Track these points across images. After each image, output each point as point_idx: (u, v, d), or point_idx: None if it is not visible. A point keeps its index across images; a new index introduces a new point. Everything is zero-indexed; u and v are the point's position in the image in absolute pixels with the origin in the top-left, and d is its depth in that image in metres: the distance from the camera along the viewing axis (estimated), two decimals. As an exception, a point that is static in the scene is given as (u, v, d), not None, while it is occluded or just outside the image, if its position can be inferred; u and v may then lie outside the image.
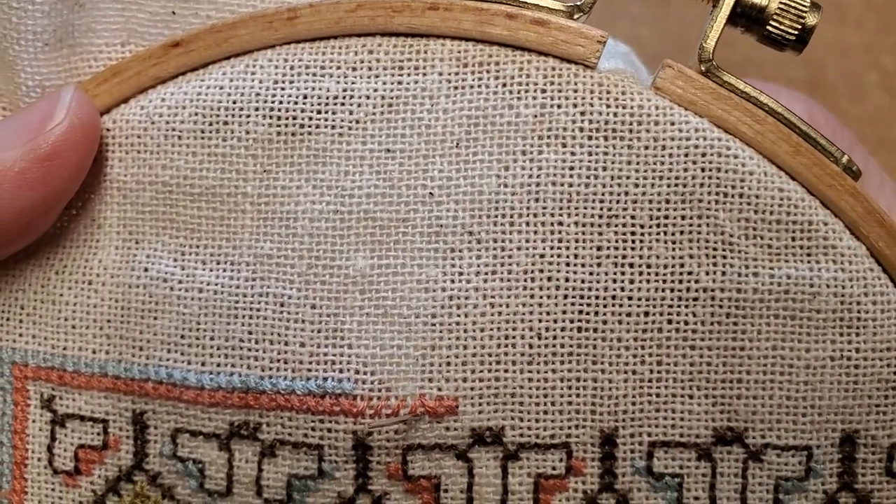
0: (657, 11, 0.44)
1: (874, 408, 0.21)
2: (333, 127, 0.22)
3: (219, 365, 0.22)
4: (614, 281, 0.21)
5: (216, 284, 0.22)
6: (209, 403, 0.22)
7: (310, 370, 0.21)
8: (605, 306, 0.21)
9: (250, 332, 0.21)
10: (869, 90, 0.43)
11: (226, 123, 0.22)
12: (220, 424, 0.22)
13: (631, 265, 0.21)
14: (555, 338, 0.21)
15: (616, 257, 0.21)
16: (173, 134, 0.22)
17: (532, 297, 0.21)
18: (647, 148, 0.21)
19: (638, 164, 0.21)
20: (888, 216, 0.22)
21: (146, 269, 0.22)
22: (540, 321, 0.21)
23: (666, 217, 0.21)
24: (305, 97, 0.22)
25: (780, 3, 0.22)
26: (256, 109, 0.22)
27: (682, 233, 0.21)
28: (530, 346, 0.21)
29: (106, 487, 0.23)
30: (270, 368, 0.21)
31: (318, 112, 0.22)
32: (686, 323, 0.21)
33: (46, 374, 0.23)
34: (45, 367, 0.23)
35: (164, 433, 0.22)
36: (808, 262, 0.21)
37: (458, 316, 0.21)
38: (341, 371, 0.21)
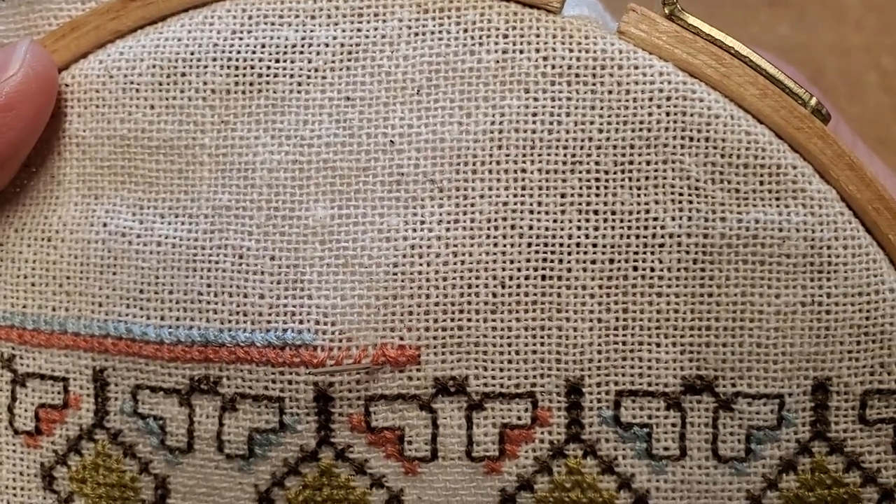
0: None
1: (846, 354, 0.21)
2: (292, 76, 0.21)
3: (178, 319, 0.21)
4: (579, 228, 0.21)
5: (174, 238, 0.21)
6: (169, 358, 0.21)
7: (269, 322, 0.21)
8: (569, 254, 0.21)
9: (209, 285, 0.21)
10: (868, 90, 0.44)
11: (183, 75, 0.22)
12: (180, 380, 0.21)
13: (595, 212, 0.21)
14: (519, 286, 0.21)
15: (580, 204, 0.21)
16: (131, 87, 0.22)
17: (495, 245, 0.21)
18: (610, 93, 0.21)
19: (601, 109, 0.21)
20: (858, 159, 0.21)
21: (105, 224, 0.22)
22: (504, 270, 0.21)
23: (630, 162, 0.21)
24: (263, 46, 0.21)
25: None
26: (214, 60, 0.22)
27: (647, 178, 0.21)
28: (494, 295, 0.21)
29: (67, 447, 0.22)
30: (230, 321, 0.21)
31: (277, 61, 0.21)
32: (652, 270, 0.21)
33: (6, 334, 0.22)
34: (5, 326, 0.22)
35: (125, 390, 0.22)
36: (777, 206, 0.21)
37: (421, 265, 0.21)
38: (301, 322, 0.21)
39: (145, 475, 0.22)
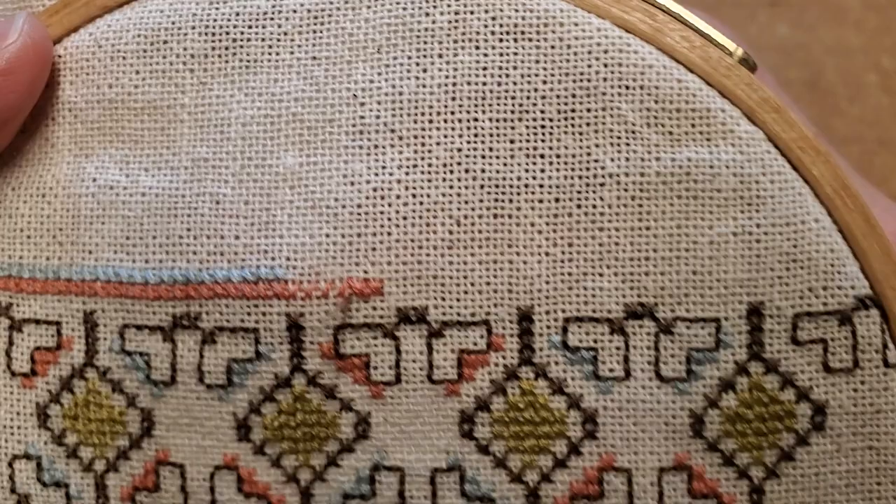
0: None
1: (777, 280, 0.23)
2: (263, 39, 0.24)
3: (161, 261, 0.23)
4: (527, 171, 0.23)
5: (157, 188, 0.24)
6: (153, 298, 0.23)
7: (244, 260, 0.23)
8: (518, 194, 0.23)
9: (189, 229, 0.23)
10: (868, 91, 0.45)
11: (165, 42, 0.24)
12: (163, 317, 0.23)
13: (542, 156, 0.23)
14: (473, 224, 0.23)
15: (528, 149, 0.23)
16: (118, 55, 0.24)
17: (451, 187, 0.23)
18: (553, 48, 0.23)
19: (546, 62, 0.23)
20: (783, 104, 0.23)
21: (94, 179, 0.24)
22: (459, 209, 0.23)
23: (573, 110, 0.23)
24: (238, 14, 0.24)
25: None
26: (193, 28, 0.24)
27: (588, 124, 0.23)
28: (450, 233, 0.23)
29: (60, 386, 0.24)
30: (208, 261, 0.23)
31: (250, 27, 0.24)
32: (594, 207, 0.23)
33: (4, 283, 0.24)
34: (3, 277, 0.24)
35: (113, 330, 0.24)
36: (708, 145, 0.23)
37: (382, 206, 0.23)
38: (273, 259, 0.23)
39: (132, 409, 0.24)
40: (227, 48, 0.24)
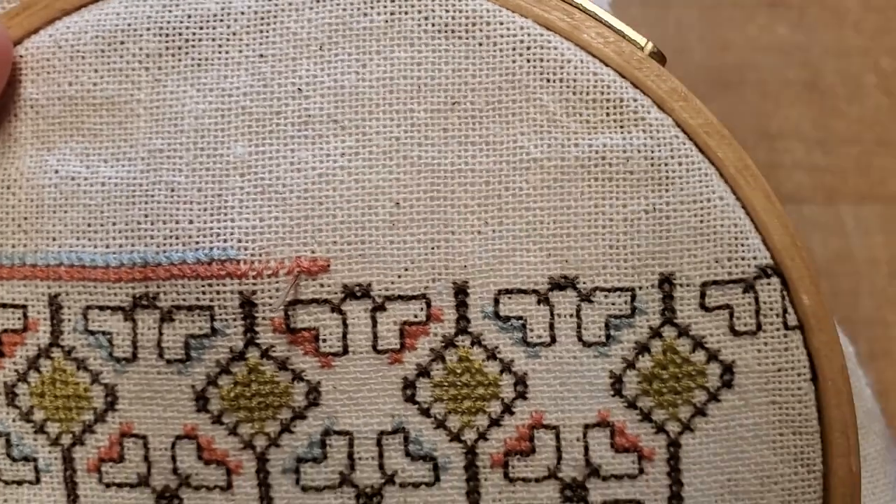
0: (655, 13, 0.47)
1: (686, 252, 0.25)
2: (213, 39, 0.26)
3: (120, 245, 0.25)
4: (459, 157, 0.25)
5: (116, 178, 0.25)
6: (114, 280, 0.25)
7: (198, 243, 0.25)
8: (452, 178, 0.25)
9: (146, 215, 0.25)
10: (867, 92, 0.46)
11: (122, 43, 0.26)
12: (124, 298, 0.25)
13: (472, 143, 0.25)
14: (411, 206, 0.25)
15: (460, 137, 0.25)
16: (77, 55, 0.26)
17: (390, 173, 0.25)
18: (481, 45, 0.25)
19: (474, 58, 0.25)
20: (691, 94, 0.26)
21: (56, 171, 0.26)
22: (398, 193, 0.25)
23: (499, 101, 0.25)
24: (189, 16, 0.26)
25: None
26: (148, 29, 0.26)
27: (513, 114, 0.25)
28: (391, 214, 0.25)
29: (27, 366, 0.26)
30: (164, 244, 0.25)
31: (201, 28, 0.26)
32: (520, 189, 0.25)
33: (-29, 271, 0.26)
34: (-30, 265, 0.26)
35: (77, 311, 0.25)
36: (621, 132, 0.25)
37: (327, 190, 0.25)
38: (226, 241, 0.25)
39: (96, 385, 0.26)
40: (179, 48, 0.26)
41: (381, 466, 0.25)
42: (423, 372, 0.25)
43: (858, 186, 0.46)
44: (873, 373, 0.44)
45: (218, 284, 0.25)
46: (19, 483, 0.26)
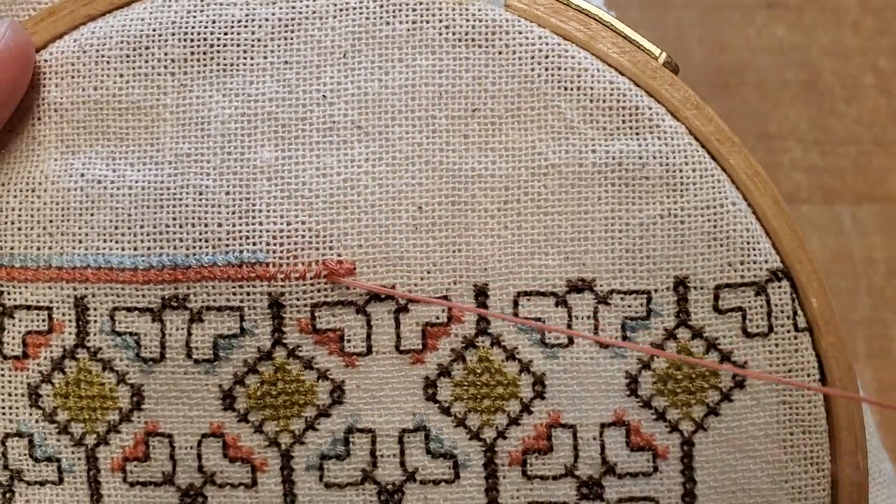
0: (654, 14, 0.51)
1: (700, 256, 0.29)
2: (239, 45, 0.29)
3: (149, 248, 0.29)
4: (479, 162, 0.29)
5: (143, 182, 0.29)
6: (142, 282, 0.29)
7: (228, 245, 0.29)
8: (473, 183, 0.29)
9: (174, 219, 0.29)
10: (866, 92, 0.50)
11: (147, 48, 0.29)
12: (152, 299, 0.29)
13: (492, 149, 0.29)
14: (433, 210, 0.29)
15: (480, 143, 0.29)
16: (103, 60, 0.30)
17: (413, 178, 0.29)
18: (500, 53, 0.29)
19: (494, 66, 0.29)
20: (702, 102, 0.30)
21: (82, 175, 0.29)
22: (421, 197, 0.29)
23: (518, 108, 0.29)
24: (214, 22, 0.29)
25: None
26: (173, 35, 0.29)
27: (532, 121, 0.29)
28: (413, 218, 0.29)
29: (52, 367, 0.29)
30: (194, 247, 0.29)
31: (226, 34, 0.29)
32: (539, 194, 0.29)
33: (-4, 273, 0.30)
34: (-5, 266, 0.30)
35: (103, 313, 0.29)
36: (637, 139, 0.29)
37: (352, 195, 0.29)
38: (254, 244, 0.29)
39: (122, 385, 0.29)
40: (205, 53, 0.29)
41: (402, 464, 0.29)
42: (444, 372, 0.29)
43: (856, 186, 0.50)
44: (871, 372, 0.48)
45: (248, 286, 0.28)
46: (42, 484, 0.29)
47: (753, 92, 0.51)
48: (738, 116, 0.50)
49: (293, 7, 0.29)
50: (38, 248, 0.29)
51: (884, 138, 0.50)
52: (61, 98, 0.30)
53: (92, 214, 0.29)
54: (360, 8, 0.29)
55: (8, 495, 0.29)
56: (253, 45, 0.29)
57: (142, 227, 0.29)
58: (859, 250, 0.49)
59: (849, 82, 0.50)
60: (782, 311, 0.29)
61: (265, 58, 0.29)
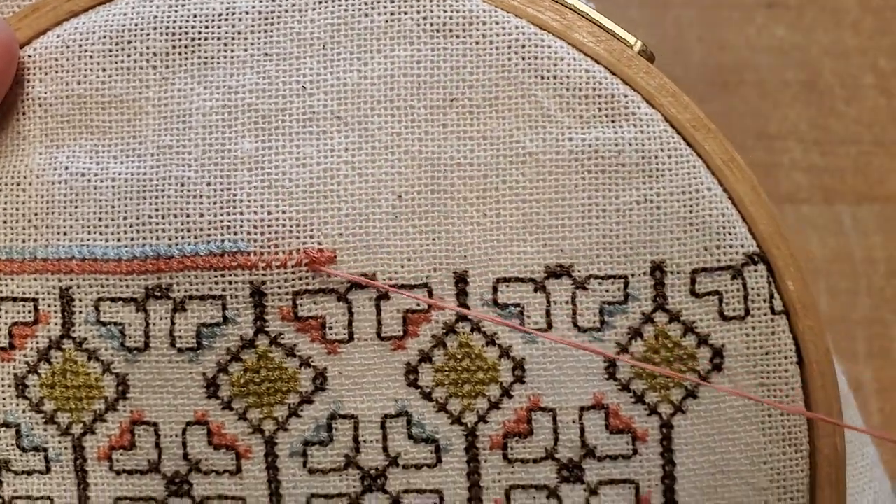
0: (654, 13, 0.51)
1: (676, 241, 0.30)
2: (219, 38, 0.30)
3: (132, 239, 0.29)
4: (458, 151, 0.30)
5: (126, 174, 0.30)
6: (126, 272, 0.29)
7: (209, 235, 0.29)
8: (452, 172, 0.30)
9: (157, 209, 0.29)
10: (866, 92, 0.50)
11: (129, 42, 0.30)
12: (136, 289, 0.29)
13: (471, 138, 0.30)
14: (413, 199, 0.30)
15: (458, 132, 0.30)
16: (85, 54, 0.30)
17: (392, 167, 0.30)
18: (478, 43, 0.30)
19: (471, 56, 0.30)
20: (678, 89, 0.31)
21: (66, 168, 0.30)
22: (400, 186, 0.30)
23: (496, 97, 0.30)
24: (195, 16, 0.30)
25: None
26: (155, 29, 0.30)
27: (509, 109, 0.30)
28: (393, 207, 0.30)
29: (38, 357, 0.30)
30: (176, 237, 0.29)
31: (206, 27, 0.30)
32: (517, 181, 0.30)
33: (-18, 266, 0.30)
34: (-19, 260, 0.30)
35: (88, 303, 0.30)
36: (613, 126, 0.30)
37: (332, 185, 0.29)
38: (236, 233, 0.29)
39: (107, 375, 0.30)
40: (186, 46, 0.30)
41: (385, 449, 0.30)
42: (425, 357, 0.30)
43: (856, 186, 0.50)
44: (871, 372, 0.49)
45: (230, 275, 0.29)
46: (29, 473, 0.30)
47: (753, 91, 0.51)
48: (738, 116, 0.50)
49: (273, 0, 0.30)
50: (24, 241, 0.30)
51: (884, 138, 0.50)
52: (45, 93, 0.30)
53: (76, 207, 0.30)
54: (340, 0, 0.30)
55: None
56: (233, 38, 0.30)
57: (125, 218, 0.29)
58: (859, 250, 0.50)
59: (849, 82, 0.50)
60: (759, 295, 0.30)
61: (245, 50, 0.30)
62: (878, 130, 0.50)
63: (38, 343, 0.30)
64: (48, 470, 0.30)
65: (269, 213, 0.29)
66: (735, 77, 0.51)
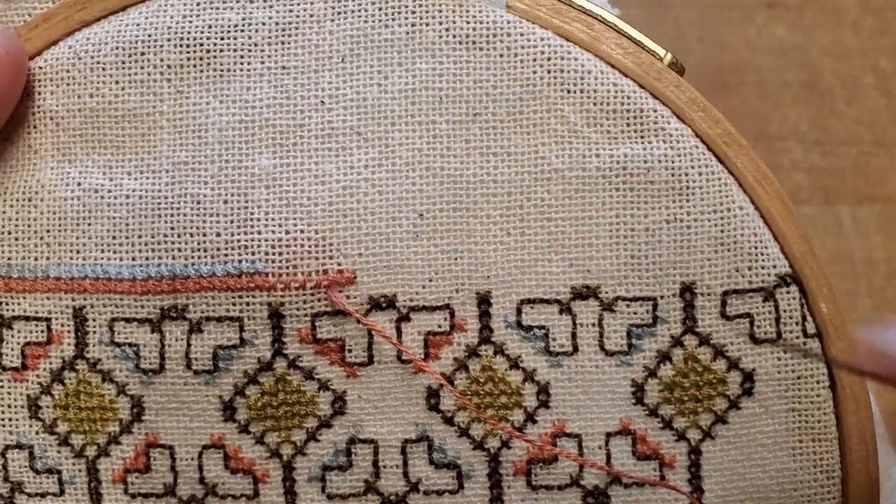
0: (654, 14, 0.51)
1: (706, 261, 0.29)
2: (235, 50, 0.29)
3: (147, 258, 0.29)
4: (481, 168, 0.29)
5: (141, 191, 0.29)
6: (141, 292, 0.29)
7: (226, 255, 0.29)
8: (474, 189, 0.29)
9: (172, 228, 0.29)
10: (866, 93, 0.50)
11: (143, 54, 0.30)
12: (151, 310, 0.29)
13: (494, 154, 0.29)
14: (434, 217, 0.29)
15: (482, 148, 0.29)
16: (98, 66, 0.30)
17: (413, 184, 0.29)
18: (502, 56, 0.29)
19: (495, 69, 0.29)
20: (709, 103, 0.30)
21: (79, 184, 0.29)
22: (422, 204, 0.29)
23: (520, 112, 0.29)
24: (210, 27, 0.29)
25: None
26: (169, 40, 0.30)
27: (534, 124, 0.29)
28: (414, 225, 0.29)
29: (51, 378, 0.30)
30: (192, 256, 0.29)
31: (222, 39, 0.29)
32: (542, 199, 0.29)
33: (-7, 283, 0.30)
34: (-8, 277, 0.30)
35: (102, 323, 0.29)
36: (642, 142, 0.29)
37: (352, 203, 0.29)
38: (253, 253, 0.29)
39: (122, 396, 0.29)
40: (201, 59, 0.29)
41: (405, 474, 0.29)
42: (447, 381, 0.29)
43: (857, 187, 0.50)
44: (871, 372, 0.49)
45: (247, 296, 0.29)
46: (43, 495, 0.30)
47: (753, 92, 0.51)
48: (738, 116, 0.50)
49: (290, 11, 0.29)
50: (36, 259, 0.30)
51: (884, 139, 0.50)
52: (57, 106, 0.30)
53: (89, 224, 0.29)
54: (359, 11, 0.29)
55: None
56: (250, 50, 0.29)
57: (140, 236, 0.29)
58: (859, 251, 0.50)
59: (849, 83, 0.50)
60: (791, 317, 0.30)
61: (262, 63, 0.29)
62: (879, 131, 0.50)
63: (51, 363, 0.30)
64: (62, 492, 0.30)
65: (288, 232, 0.29)
66: (735, 77, 0.51)
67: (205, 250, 0.29)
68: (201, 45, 0.29)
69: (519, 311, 0.29)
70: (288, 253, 0.29)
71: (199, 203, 0.29)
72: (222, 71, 0.29)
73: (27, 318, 0.30)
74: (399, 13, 0.29)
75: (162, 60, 0.29)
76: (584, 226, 0.29)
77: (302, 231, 0.29)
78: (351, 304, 0.29)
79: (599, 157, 0.29)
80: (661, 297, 0.29)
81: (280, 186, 0.29)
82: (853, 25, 0.51)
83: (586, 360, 0.29)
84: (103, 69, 0.30)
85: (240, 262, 0.29)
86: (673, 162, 0.29)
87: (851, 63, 0.50)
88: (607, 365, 0.29)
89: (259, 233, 0.29)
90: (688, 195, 0.29)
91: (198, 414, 0.29)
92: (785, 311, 0.30)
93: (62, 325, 0.30)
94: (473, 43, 0.29)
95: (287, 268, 0.29)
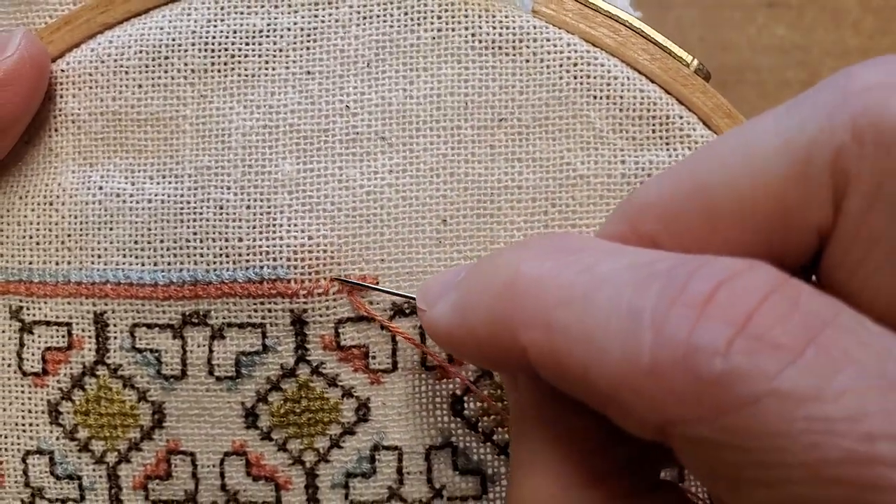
0: (655, 13, 0.51)
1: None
2: (260, 55, 0.30)
3: (169, 264, 0.29)
4: (506, 173, 0.30)
5: (163, 195, 0.29)
6: (163, 298, 0.29)
7: (248, 261, 0.29)
8: (499, 195, 0.29)
9: (195, 233, 0.29)
10: None
11: (166, 58, 0.30)
12: (173, 316, 0.29)
13: (519, 159, 0.30)
14: (458, 223, 0.29)
15: (507, 154, 0.30)
16: (121, 70, 0.30)
17: (437, 190, 0.29)
18: (528, 61, 0.30)
19: (521, 74, 0.30)
20: (734, 109, 0.30)
21: (101, 188, 0.30)
22: (445, 210, 0.29)
23: (546, 118, 0.30)
24: (235, 32, 0.30)
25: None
26: (193, 44, 0.30)
27: (560, 130, 0.30)
28: (438, 231, 0.29)
29: (72, 384, 0.30)
30: (214, 262, 0.29)
31: (247, 44, 0.30)
32: (567, 205, 0.30)
33: (14, 288, 0.30)
34: (14, 281, 0.30)
35: (123, 329, 0.30)
36: (667, 149, 0.30)
37: (375, 208, 0.29)
38: (275, 259, 0.29)
39: (143, 403, 0.30)
40: (225, 63, 0.30)
41: (429, 480, 0.29)
42: (467, 388, 0.29)
43: (857, 187, 0.51)
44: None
45: (269, 303, 0.29)
46: (63, 501, 0.30)
47: (753, 91, 0.52)
48: None
49: (315, 16, 0.30)
50: (57, 263, 0.30)
51: (884, 139, 0.51)
52: (79, 109, 0.30)
53: (111, 229, 0.30)
54: (384, 16, 0.30)
55: None
56: (274, 55, 0.30)
57: (162, 241, 0.29)
58: None
59: (849, 83, 0.51)
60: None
61: (287, 68, 0.30)
62: (878, 131, 0.51)
63: (71, 369, 0.30)
64: (82, 498, 0.30)
65: (311, 237, 0.29)
66: (736, 77, 0.52)
67: (227, 256, 0.29)
68: (226, 49, 0.30)
69: (543, 318, 0.29)
70: (310, 259, 0.29)
71: (221, 208, 0.29)
72: (246, 76, 0.30)
73: (48, 323, 0.30)
74: (425, 18, 0.30)
75: (186, 64, 0.30)
76: None
77: (324, 236, 0.29)
78: (375, 309, 0.29)
79: (625, 164, 0.30)
80: None
81: (303, 192, 0.29)
82: (853, 25, 0.51)
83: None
84: (126, 73, 0.30)
85: (261, 268, 0.29)
86: (699, 168, 0.30)
87: (852, 63, 0.50)
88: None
89: (281, 238, 0.29)
90: (714, 202, 0.29)
91: (219, 420, 0.30)
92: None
93: (83, 331, 0.30)
94: (499, 48, 0.30)
95: (309, 273, 0.29)
